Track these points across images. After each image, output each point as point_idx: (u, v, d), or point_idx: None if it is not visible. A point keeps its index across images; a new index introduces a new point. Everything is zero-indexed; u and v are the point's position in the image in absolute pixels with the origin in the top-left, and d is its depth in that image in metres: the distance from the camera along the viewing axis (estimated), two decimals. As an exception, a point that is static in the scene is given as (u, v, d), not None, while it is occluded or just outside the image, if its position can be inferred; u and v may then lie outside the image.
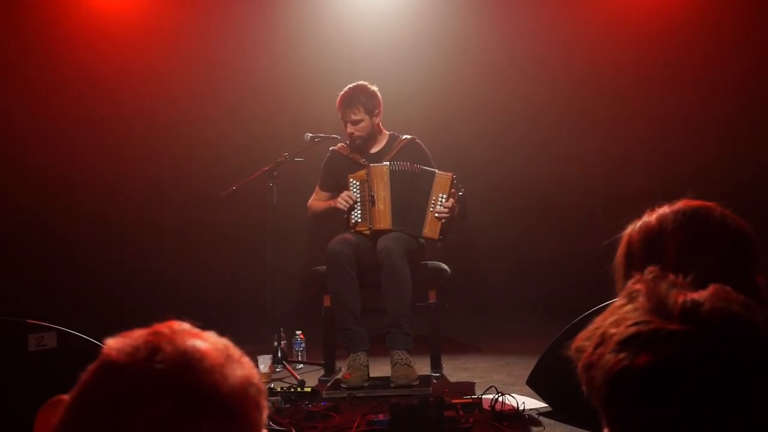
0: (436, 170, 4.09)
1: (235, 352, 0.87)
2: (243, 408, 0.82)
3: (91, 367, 0.82)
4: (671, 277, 0.90)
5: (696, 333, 0.83)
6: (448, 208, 4.01)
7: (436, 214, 4.03)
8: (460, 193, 4.07)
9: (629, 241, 1.52)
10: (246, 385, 0.84)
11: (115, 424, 0.78)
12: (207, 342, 0.85)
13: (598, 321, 0.91)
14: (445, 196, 4.03)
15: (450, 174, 4.06)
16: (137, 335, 0.84)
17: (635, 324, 0.86)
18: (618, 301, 0.91)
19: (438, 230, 4.04)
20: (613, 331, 0.87)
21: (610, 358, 0.85)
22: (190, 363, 0.81)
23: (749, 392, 0.82)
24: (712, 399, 0.82)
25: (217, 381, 0.81)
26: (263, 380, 3.99)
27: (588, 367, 0.89)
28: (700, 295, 0.87)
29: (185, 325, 0.87)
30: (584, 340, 0.91)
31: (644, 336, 0.84)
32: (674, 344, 0.83)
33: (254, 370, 0.87)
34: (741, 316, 0.85)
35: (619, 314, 0.88)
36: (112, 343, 0.83)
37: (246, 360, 0.87)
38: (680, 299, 0.86)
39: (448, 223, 4.07)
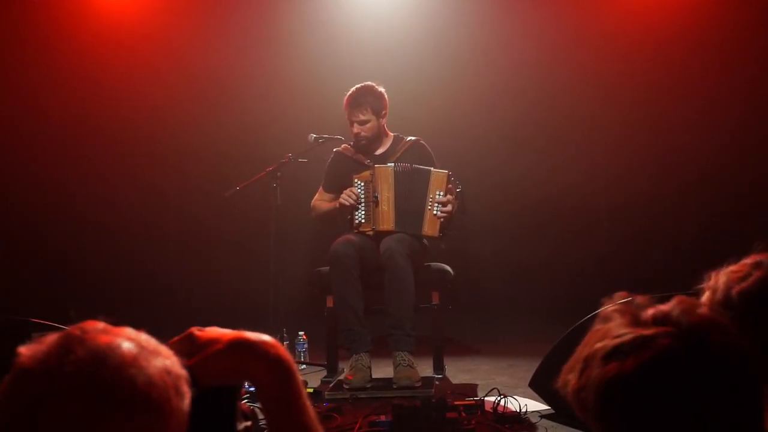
0: (432, 168, 4.08)
1: (150, 343, 0.87)
2: (164, 397, 0.83)
3: (6, 377, 0.83)
4: (639, 298, 0.99)
5: (671, 333, 0.91)
6: (444, 203, 4.00)
7: (435, 212, 4.02)
8: (458, 190, 4.06)
9: None
10: (164, 374, 0.84)
11: (32, 428, 0.78)
12: (119, 337, 0.85)
13: (577, 351, 0.98)
14: (442, 193, 4.02)
15: (446, 171, 4.06)
16: (49, 340, 0.84)
17: (617, 337, 0.93)
18: (595, 326, 0.99)
19: (437, 228, 4.04)
20: (597, 347, 0.94)
21: (598, 372, 0.92)
22: (102, 361, 0.81)
23: (726, 380, 0.90)
24: (697, 389, 0.89)
25: (132, 375, 0.82)
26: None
27: (578, 392, 0.95)
28: (666, 306, 0.96)
29: (99, 325, 0.87)
30: (568, 372, 0.98)
31: (626, 344, 0.92)
32: (654, 346, 0.90)
33: (172, 358, 0.88)
34: (707, 316, 0.95)
35: (599, 335, 0.96)
36: (25, 351, 0.83)
37: (163, 350, 0.88)
38: (651, 311, 0.95)
39: (448, 221, 4.07)
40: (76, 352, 0.82)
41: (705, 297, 1.31)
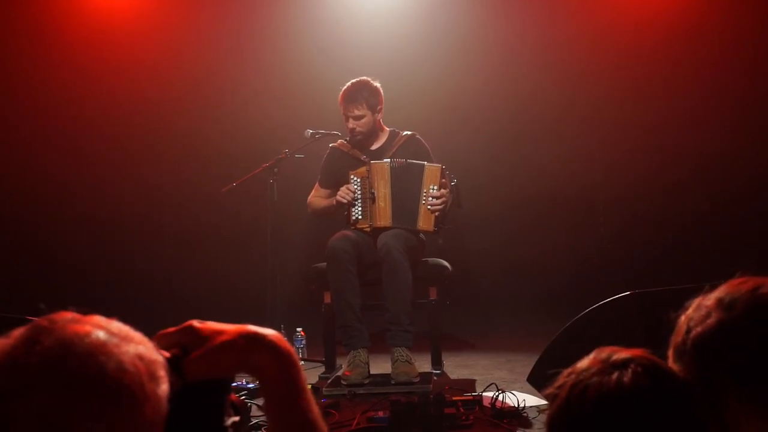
0: (425, 162, 4.07)
1: (121, 330, 0.87)
2: (136, 382, 0.83)
3: None
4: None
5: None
6: (437, 198, 3.99)
7: (429, 207, 4.01)
8: (453, 183, 4.05)
9: None
10: (136, 359, 0.84)
11: (3, 421, 0.78)
12: (88, 326, 0.84)
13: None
14: (435, 187, 4.01)
15: (439, 165, 4.04)
16: (16, 333, 0.83)
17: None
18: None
19: (432, 222, 4.02)
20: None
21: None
22: (69, 349, 0.81)
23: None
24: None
25: (101, 362, 0.81)
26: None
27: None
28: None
29: (67, 315, 0.86)
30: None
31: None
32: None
33: (146, 344, 0.87)
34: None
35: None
36: None
37: (135, 336, 0.87)
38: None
39: (443, 215, 4.05)
40: (43, 342, 0.81)
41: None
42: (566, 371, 1.04)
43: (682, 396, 0.99)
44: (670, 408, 0.97)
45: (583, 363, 1.03)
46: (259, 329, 1.00)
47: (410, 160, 4.06)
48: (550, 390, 1.03)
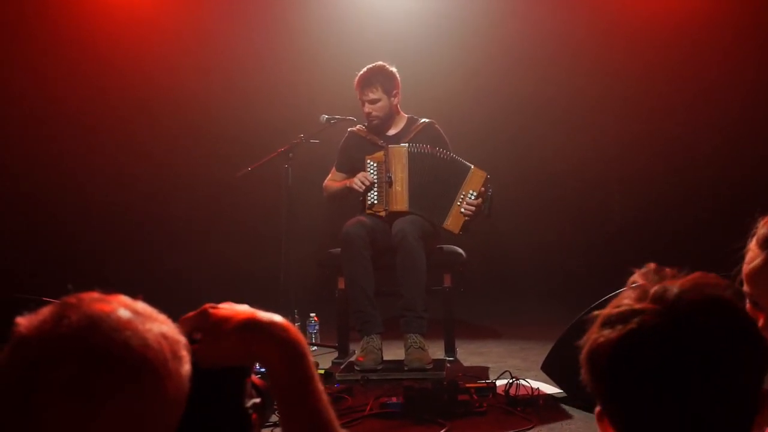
0: (472, 165, 4.04)
1: (146, 310, 0.89)
2: (160, 359, 0.84)
3: (6, 347, 0.85)
4: (667, 270, 0.99)
5: (654, 311, 0.91)
6: (474, 206, 3.97)
7: (462, 210, 3.99)
8: (489, 193, 4.02)
9: None
10: (160, 338, 0.86)
11: (28, 393, 0.80)
12: (114, 304, 0.87)
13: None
14: (475, 193, 3.98)
15: (485, 173, 4.02)
16: (45, 310, 0.86)
17: (616, 306, 0.95)
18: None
19: (460, 226, 4.00)
20: (602, 312, 0.96)
21: (592, 336, 0.95)
22: (95, 324, 0.83)
23: (711, 361, 0.89)
24: (675, 367, 0.89)
25: (126, 337, 0.83)
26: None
27: (582, 351, 0.98)
28: (675, 282, 0.95)
29: (94, 294, 0.88)
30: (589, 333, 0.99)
31: (615, 316, 0.93)
32: (634, 321, 0.91)
33: (169, 324, 0.89)
34: (708, 296, 0.93)
35: (614, 303, 0.98)
36: (22, 320, 0.85)
37: (159, 316, 0.89)
38: (656, 286, 0.94)
39: (472, 221, 4.03)
40: (70, 317, 0.83)
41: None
42: (612, 303, 0.96)
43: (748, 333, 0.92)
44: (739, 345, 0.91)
45: (629, 300, 0.94)
46: (265, 317, 0.99)
47: (455, 156, 4.03)
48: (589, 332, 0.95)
